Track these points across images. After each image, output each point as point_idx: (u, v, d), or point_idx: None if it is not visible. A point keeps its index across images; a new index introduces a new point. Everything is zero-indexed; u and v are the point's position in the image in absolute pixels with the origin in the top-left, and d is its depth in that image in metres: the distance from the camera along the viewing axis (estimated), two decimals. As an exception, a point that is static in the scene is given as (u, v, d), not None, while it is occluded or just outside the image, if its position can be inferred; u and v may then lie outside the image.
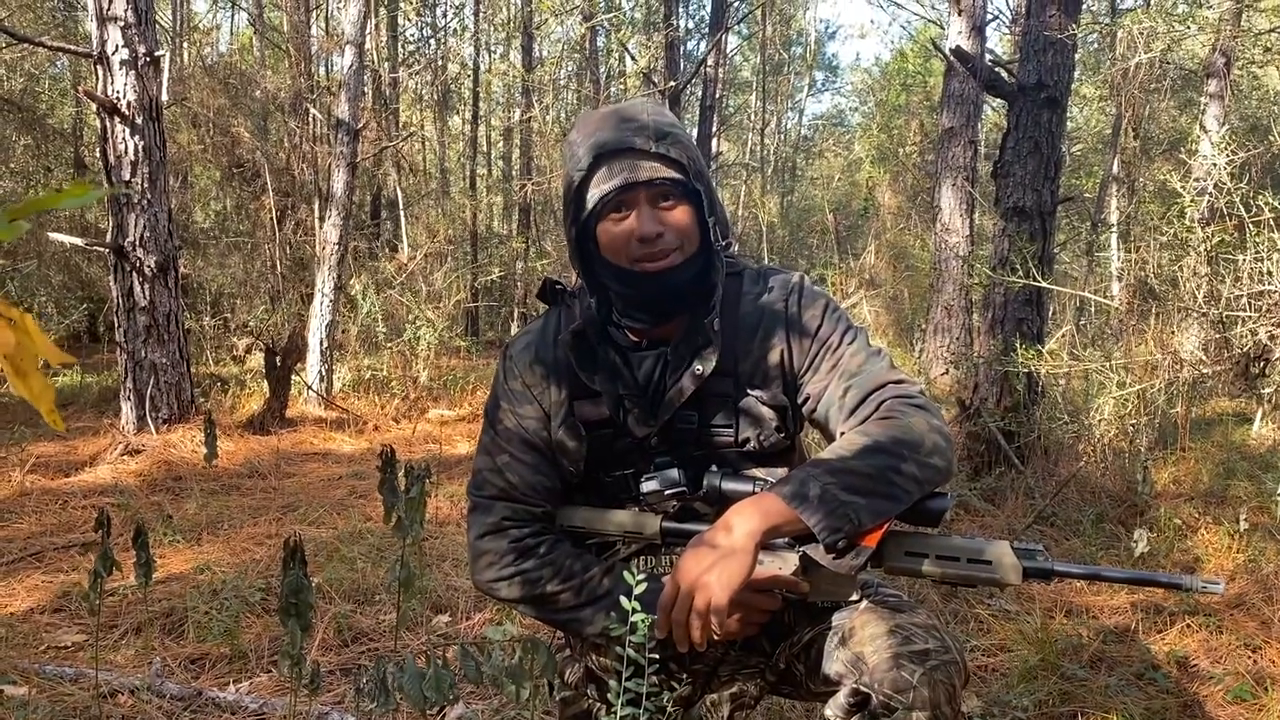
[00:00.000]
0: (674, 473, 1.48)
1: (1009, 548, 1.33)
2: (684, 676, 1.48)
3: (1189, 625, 2.95)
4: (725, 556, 1.27)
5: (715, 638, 1.30)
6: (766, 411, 1.52)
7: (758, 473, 1.48)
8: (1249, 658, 2.73)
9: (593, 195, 1.45)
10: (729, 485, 1.43)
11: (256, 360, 8.97)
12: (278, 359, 6.76)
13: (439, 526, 4.29)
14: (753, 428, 1.52)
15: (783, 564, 1.38)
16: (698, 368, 1.49)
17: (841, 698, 1.36)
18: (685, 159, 1.45)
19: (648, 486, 1.49)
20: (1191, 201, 3.75)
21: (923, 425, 1.37)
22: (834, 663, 1.39)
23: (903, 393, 1.43)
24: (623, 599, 1.26)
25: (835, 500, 1.28)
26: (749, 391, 1.52)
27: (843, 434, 1.43)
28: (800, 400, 1.54)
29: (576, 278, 1.59)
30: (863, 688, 1.32)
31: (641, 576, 1.28)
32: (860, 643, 1.35)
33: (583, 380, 1.54)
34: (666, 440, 1.53)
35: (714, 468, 1.47)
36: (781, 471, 1.48)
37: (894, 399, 1.42)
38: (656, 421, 1.52)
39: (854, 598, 1.42)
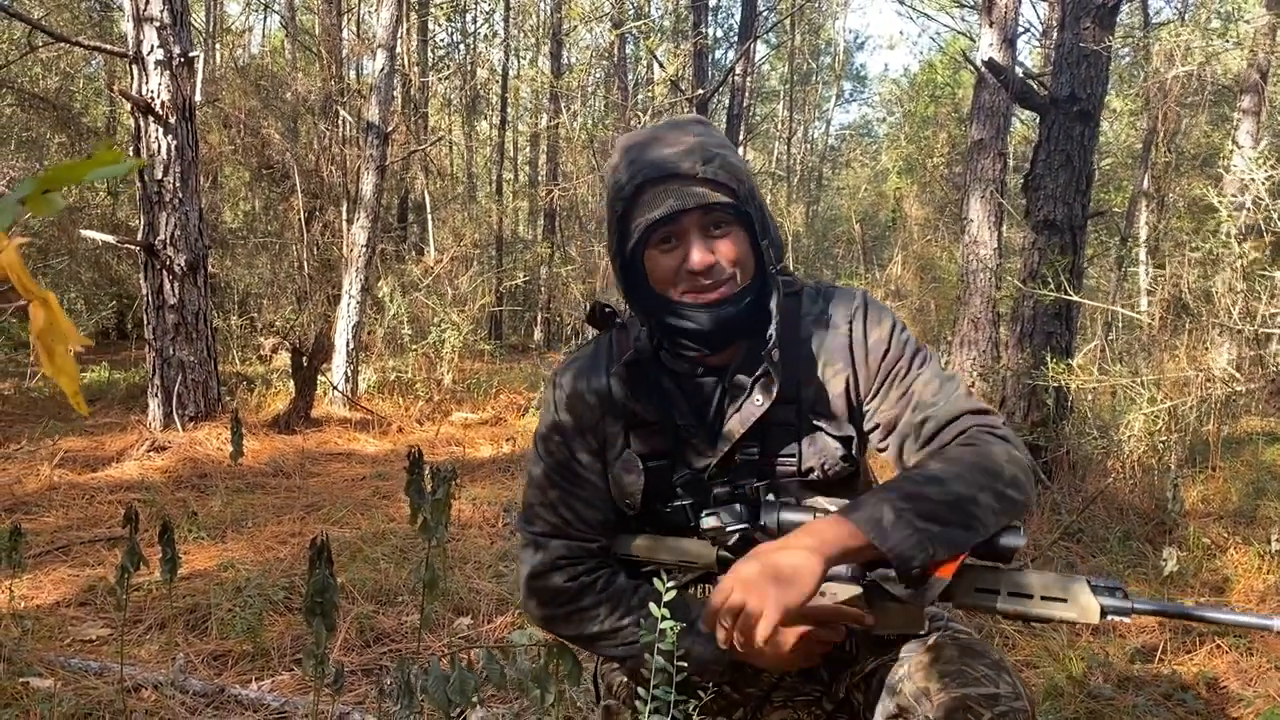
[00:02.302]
0: (737, 508, 1.40)
1: (1086, 585, 1.24)
2: (708, 687, 1.44)
3: (1218, 646, 2.91)
4: (789, 565, 1.18)
5: (761, 645, 1.20)
6: (832, 442, 1.45)
7: (820, 502, 1.41)
8: (1280, 680, 2.69)
9: (638, 224, 1.37)
10: (787, 516, 1.35)
11: (283, 360, 9.04)
12: (304, 359, 6.80)
13: (462, 529, 4.29)
14: (817, 457, 1.45)
15: (847, 595, 1.30)
16: (758, 398, 1.42)
17: None
18: (735, 181, 1.36)
19: (709, 522, 1.40)
20: (1229, 216, 3.70)
21: (1002, 455, 1.31)
22: (896, 697, 1.32)
23: (983, 423, 1.37)
24: (652, 606, 1.24)
25: (911, 527, 1.20)
26: (815, 423, 1.45)
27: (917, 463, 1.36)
28: (869, 428, 1.47)
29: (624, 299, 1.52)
30: None
31: (671, 584, 1.25)
32: (927, 679, 1.28)
33: (638, 411, 1.47)
34: (726, 470, 1.46)
35: (771, 497, 1.41)
36: (845, 501, 1.38)
37: (974, 428, 1.35)
38: (716, 453, 1.45)
39: (921, 631, 1.35)
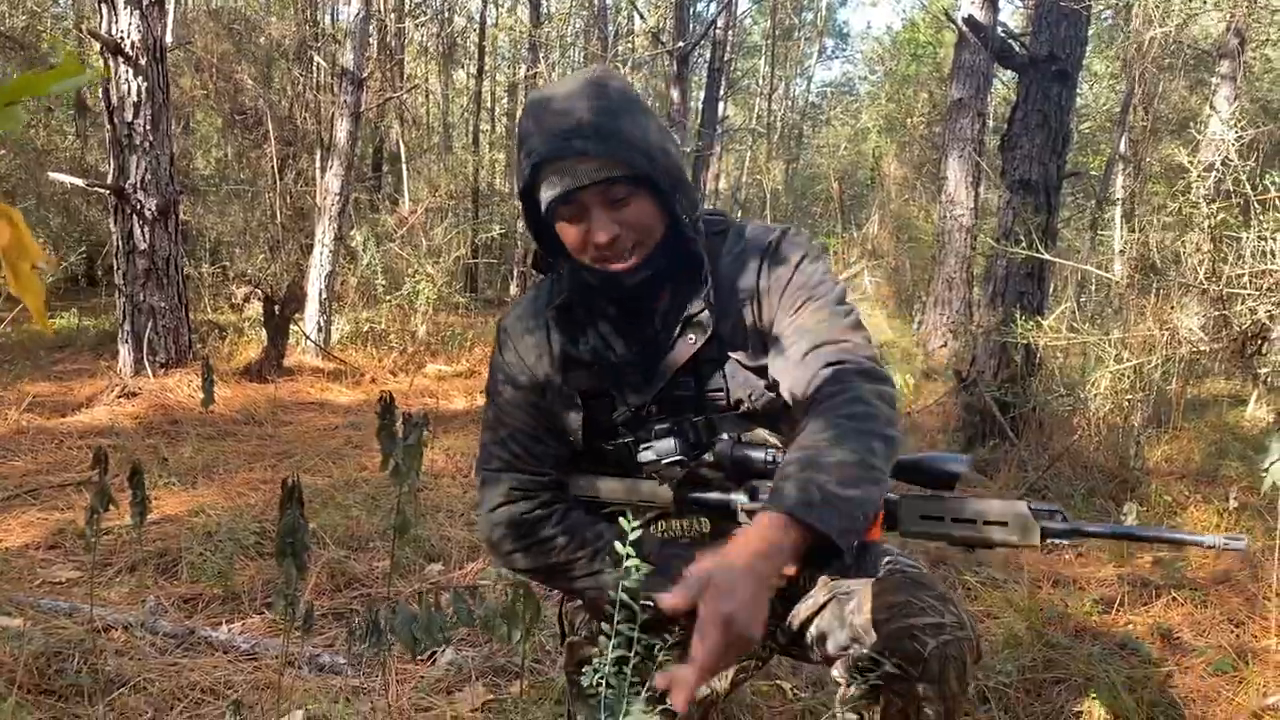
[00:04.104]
0: (670, 442, 1.45)
1: (1026, 508, 1.29)
2: (674, 629, 1.45)
3: (1174, 599, 2.98)
4: (753, 591, 1.11)
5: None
6: (751, 373, 1.49)
7: (762, 434, 1.46)
8: (1232, 632, 2.76)
9: (542, 199, 1.40)
10: (740, 452, 1.40)
11: (255, 309, 8.95)
12: (276, 308, 6.75)
13: (434, 478, 4.31)
14: (743, 389, 1.49)
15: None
16: (690, 336, 1.46)
17: (851, 663, 1.34)
18: (629, 150, 1.35)
19: (645, 456, 1.47)
20: (1198, 176, 3.73)
21: (871, 394, 1.30)
22: (846, 629, 1.37)
23: (845, 356, 1.35)
24: (617, 544, 1.25)
25: (838, 498, 1.17)
26: (731, 355, 1.49)
27: (795, 398, 1.38)
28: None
29: None
30: (874, 654, 1.30)
31: (637, 523, 1.26)
32: (875, 610, 1.33)
33: (573, 352, 1.52)
34: (664, 407, 1.50)
35: (724, 436, 1.44)
36: (787, 438, 1.42)
37: (838, 367, 1.34)
38: (651, 389, 1.50)
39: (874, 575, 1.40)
